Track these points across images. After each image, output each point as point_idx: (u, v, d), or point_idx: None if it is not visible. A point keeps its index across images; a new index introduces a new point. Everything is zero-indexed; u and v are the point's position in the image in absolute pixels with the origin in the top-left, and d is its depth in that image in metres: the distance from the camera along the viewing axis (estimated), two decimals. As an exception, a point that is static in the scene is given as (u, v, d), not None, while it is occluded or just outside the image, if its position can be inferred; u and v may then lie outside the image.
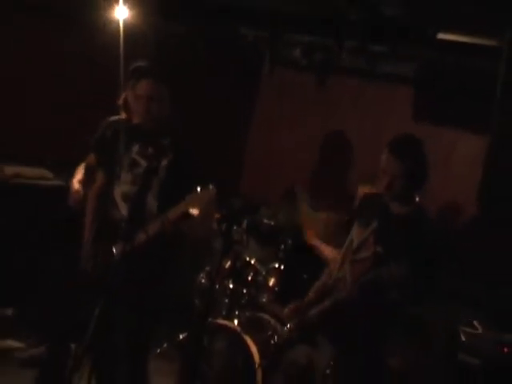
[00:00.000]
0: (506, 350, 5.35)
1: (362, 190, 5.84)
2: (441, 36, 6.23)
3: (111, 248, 4.90)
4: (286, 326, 5.08)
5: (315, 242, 5.95)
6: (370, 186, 5.67)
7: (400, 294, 4.41)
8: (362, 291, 4.46)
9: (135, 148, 5.00)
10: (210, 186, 4.72)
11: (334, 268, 4.86)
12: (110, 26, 6.59)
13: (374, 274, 4.36)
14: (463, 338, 5.45)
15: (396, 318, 4.69)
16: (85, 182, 5.81)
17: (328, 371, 4.66)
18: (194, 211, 4.70)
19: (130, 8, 6.61)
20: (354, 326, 4.57)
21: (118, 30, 6.33)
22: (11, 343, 6.36)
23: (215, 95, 7.85)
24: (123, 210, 4.94)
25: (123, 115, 5.57)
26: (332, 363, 4.66)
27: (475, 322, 5.51)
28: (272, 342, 5.66)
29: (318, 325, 4.76)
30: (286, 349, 5.29)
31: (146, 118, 4.98)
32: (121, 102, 5.57)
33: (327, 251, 5.59)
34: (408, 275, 4.27)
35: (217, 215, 5.71)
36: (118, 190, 4.97)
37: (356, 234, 4.72)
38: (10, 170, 6.78)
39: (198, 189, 4.68)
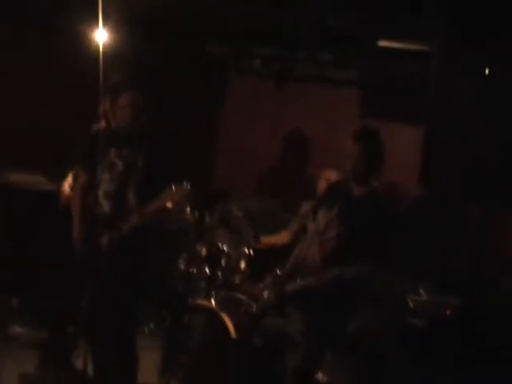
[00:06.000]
0: (448, 312, 5.39)
1: (325, 174, 5.93)
2: (380, 43, 6.28)
3: (99, 240, 4.92)
4: (264, 296, 5.14)
5: (266, 241, 6.07)
6: (335, 172, 5.78)
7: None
8: (329, 283, 4.59)
9: (112, 151, 5.02)
10: (184, 183, 4.76)
11: (302, 248, 4.95)
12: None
13: (340, 271, 4.51)
14: (411, 305, 5.48)
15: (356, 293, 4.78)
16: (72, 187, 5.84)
17: (299, 338, 4.71)
18: (169, 205, 4.74)
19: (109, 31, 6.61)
20: (322, 300, 4.67)
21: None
22: (17, 328, 6.33)
23: (188, 102, 7.86)
24: (106, 207, 4.96)
25: (103, 123, 5.60)
26: (303, 331, 4.70)
27: (421, 290, 5.55)
28: (246, 316, 5.69)
29: (292, 299, 4.84)
30: (261, 318, 5.33)
31: (124, 125, 5.00)
32: (100, 111, 5.60)
33: (279, 239, 5.65)
34: (369, 274, 4.40)
35: (190, 208, 5.76)
36: (101, 190, 4.98)
37: (322, 217, 4.84)
38: (12, 176, 6.81)
39: (173, 186, 4.72)
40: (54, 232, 6.14)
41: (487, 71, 4.65)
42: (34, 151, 7.10)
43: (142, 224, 4.84)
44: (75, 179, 5.75)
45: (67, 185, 5.94)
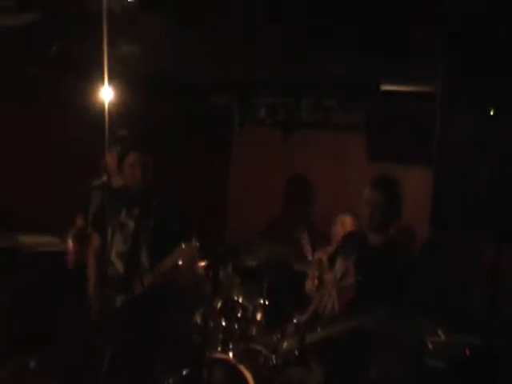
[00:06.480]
0: (468, 352, 5.34)
1: (341, 218, 5.92)
2: (383, 87, 6.31)
3: (114, 300, 4.92)
4: (283, 346, 5.12)
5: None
6: (350, 216, 5.78)
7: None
8: (350, 333, 4.54)
9: (123, 211, 5.03)
10: (193, 241, 4.78)
11: (322, 297, 4.94)
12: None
13: (359, 321, 4.45)
14: (429, 346, 5.43)
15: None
16: (77, 244, 5.84)
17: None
18: (181, 263, 4.76)
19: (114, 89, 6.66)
20: (343, 350, 4.64)
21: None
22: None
23: (195, 155, 7.91)
24: (119, 267, 4.97)
25: (104, 176, 5.62)
26: (324, 381, 4.67)
27: (439, 331, 5.51)
28: (265, 367, 5.65)
29: (312, 349, 4.80)
30: (281, 369, 5.28)
31: (133, 184, 5.01)
32: (103, 165, 5.62)
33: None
34: (388, 319, 4.38)
35: (203, 262, 5.76)
36: (113, 250, 4.99)
37: (339, 266, 4.82)
38: (23, 238, 6.83)
39: (183, 245, 4.74)
40: (68, 293, 6.15)
41: (492, 112, 4.65)
42: (45, 213, 7.12)
43: (155, 284, 4.84)
44: (79, 238, 5.77)
45: (71, 244, 5.95)
